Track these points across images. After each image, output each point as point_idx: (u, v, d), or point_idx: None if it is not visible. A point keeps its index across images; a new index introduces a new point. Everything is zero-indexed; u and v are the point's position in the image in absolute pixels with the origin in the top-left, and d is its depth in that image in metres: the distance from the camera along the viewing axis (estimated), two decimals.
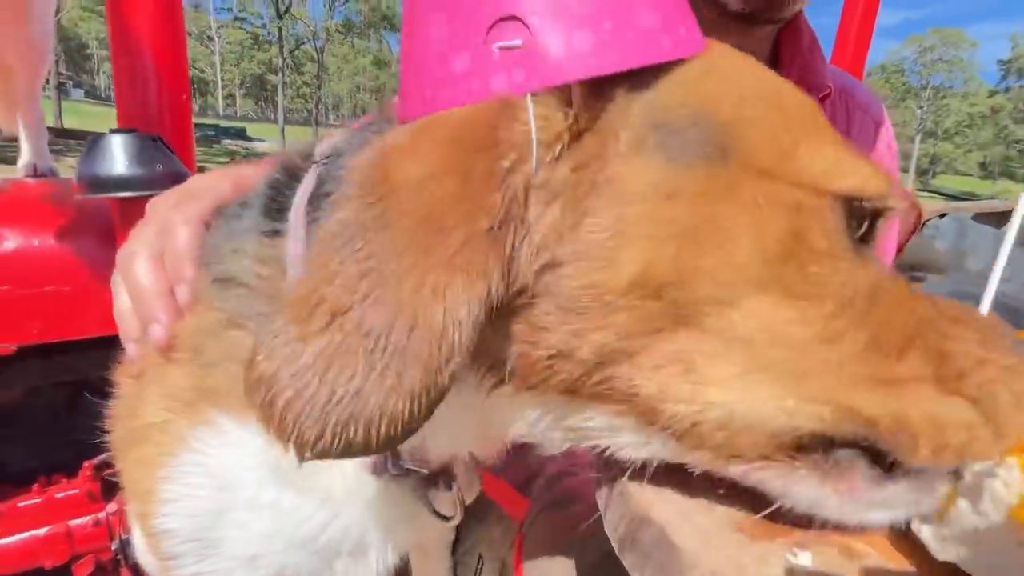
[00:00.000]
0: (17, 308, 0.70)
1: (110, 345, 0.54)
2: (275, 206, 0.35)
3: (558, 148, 0.25)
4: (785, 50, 0.64)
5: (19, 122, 1.02)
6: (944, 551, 0.24)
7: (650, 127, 0.26)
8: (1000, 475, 0.22)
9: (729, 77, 0.28)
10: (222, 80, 60.17)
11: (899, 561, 0.25)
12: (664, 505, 0.27)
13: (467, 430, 0.34)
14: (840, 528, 0.26)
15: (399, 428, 0.22)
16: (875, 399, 0.24)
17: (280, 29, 29.27)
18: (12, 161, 1.16)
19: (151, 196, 0.53)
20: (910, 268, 1.95)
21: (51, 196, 0.77)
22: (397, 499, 0.38)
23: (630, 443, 0.27)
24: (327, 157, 0.35)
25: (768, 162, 0.26)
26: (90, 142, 0.66)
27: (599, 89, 0.25)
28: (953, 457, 0.24)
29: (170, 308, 0.38)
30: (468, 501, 0.43)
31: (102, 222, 0.74)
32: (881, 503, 0.25)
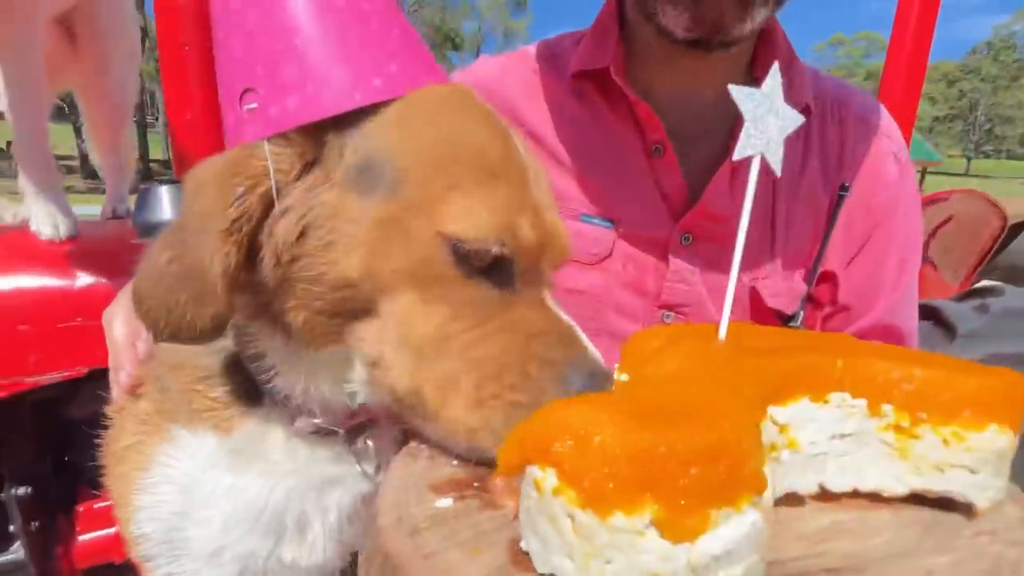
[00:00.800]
0: (88, 338, 0.81)
1: None
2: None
3: (292, 176, 0.35)
4: (759, 70, 0.62)
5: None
6: (527, 542, 0.25)
7: (351, 164, 0.35)
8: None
9: (416, 126, 0.35)
10: None
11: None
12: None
13: (323, 382, 0.41)
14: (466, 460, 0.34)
15: (204, 323, 0.34)
16: (437, 390, 0.34)
17: None
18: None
19: None
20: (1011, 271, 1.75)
21: (117, 238, 0.89)
22: (325, 459, 0.44)
23: (367, 393, 0.39)
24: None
25: (422, 201, 0.34)
26: (141, 192, 0.76)
27: (316, 133, 0.35)
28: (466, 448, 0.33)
29: (133, 358, 0.47)
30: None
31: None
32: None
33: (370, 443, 0.44)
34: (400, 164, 0.34)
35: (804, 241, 0.62)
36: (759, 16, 0.52)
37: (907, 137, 0.96)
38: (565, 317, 0.37)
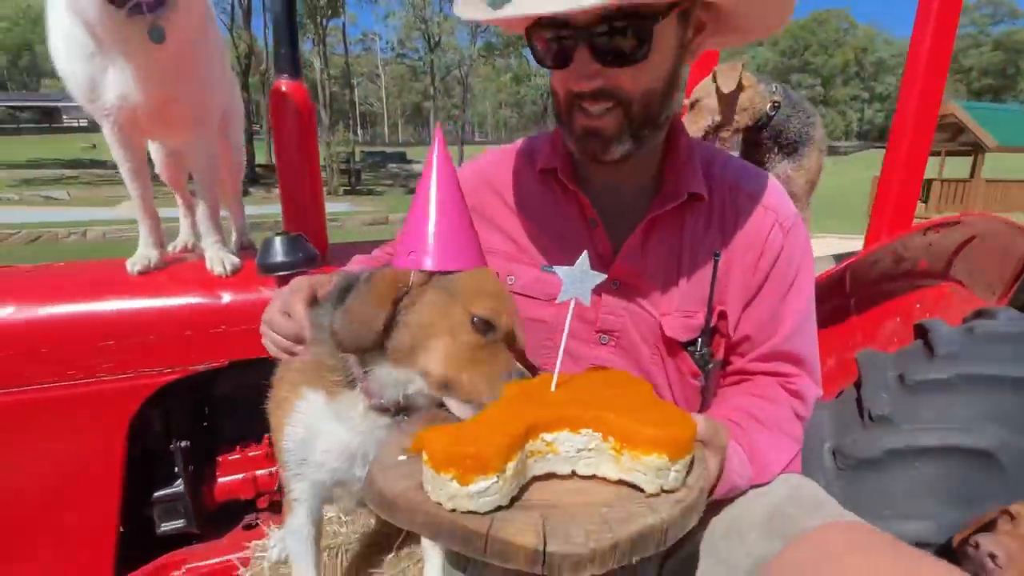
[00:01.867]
0: (229, 340, 1.17)
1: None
2: (341, 297, 0.73)
3: (416, 289, 0.65)
4: (667, 165, 0.83)
5: (228, 212, 1.55)
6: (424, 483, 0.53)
7: (440, 286, 0.67)
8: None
9: (470, 278, 0.68)
10: (387, 111, 68.27)
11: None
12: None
13: (392, 383, 0.71)
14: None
15: (365, 340, 0.65)
16: (457, 379, 0.65)
17: (432, 61, 32.48)
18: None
19: (297, 273, 0.95)
20: None
21: (246, 273, 1.25)
22: (380, 424, 0.74)
23: (420, 388, 0.69)
24: (363, 279, 0.72)
25: (464, 299, 0.66)
26: (264, 242, 1.10)
27: (433, 275, 0.67)
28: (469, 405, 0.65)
29: (295, 345, 0.77)
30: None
31: (272, 285, 1.19)
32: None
33: (403, 419, 0.74)
34: (458, 289, 0.68)
35: (702, 290, 0.81)
36: (622, 149, 0.76)
37: None
38: (510, 357, 0.68)
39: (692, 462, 0.56)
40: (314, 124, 1.23)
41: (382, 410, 0.73)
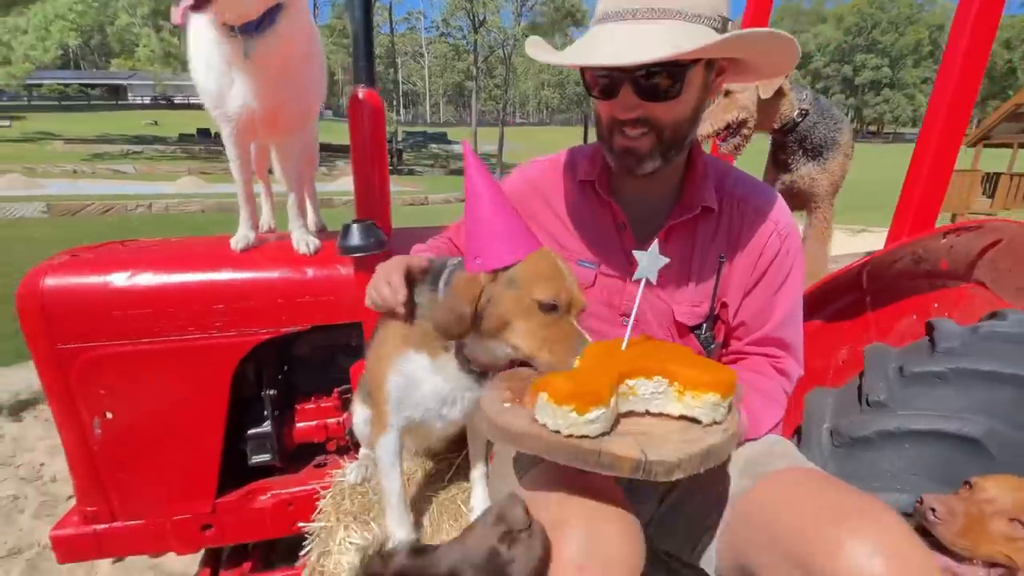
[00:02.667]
0: (310, 308, 1.39)
1: (352, 327, 1.18)
2: (434, 282, 0.93)
3: (488, 287, 0.84)
4: (686, 182, 1.00)
5: (304, 199, 1.77)
6: (540, 415, 0.71)
7: (506, 279, 0.85)
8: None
9: (528, 265, 0.85)
10: (429, 91, 68.46)
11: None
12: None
13: (485, 353, 0.92)
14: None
15: (460, 331, 0.87)
16: (542, 352, 0.83)
17: (476, 40, 32.38)
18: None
19: (368, 255, 1.17)
20: None
21: (327, 252, 1.47)
22: (469, 381, 0.98)
23: (510, 355, 0.88)
24: (451, 268, 0.93)
25: (527, 288, 0.83)
26: (343, 227, 1.31)
27: (498, 272, 0.85)
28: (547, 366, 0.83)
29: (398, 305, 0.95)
30: None
31: (347, 264, 1.40)
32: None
33: (488, 380, 0.95)
34: (518, 276, 0.85)
35: (708, 286, 0.97)
36: (653, 165, 0.92)
37: None
38: (577, 326, 0.85)
39: (731, 403, 0.73)
40: (383, 127, 1.42)
41: (471, 371, 0.97)
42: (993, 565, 0.91)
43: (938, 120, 1.54)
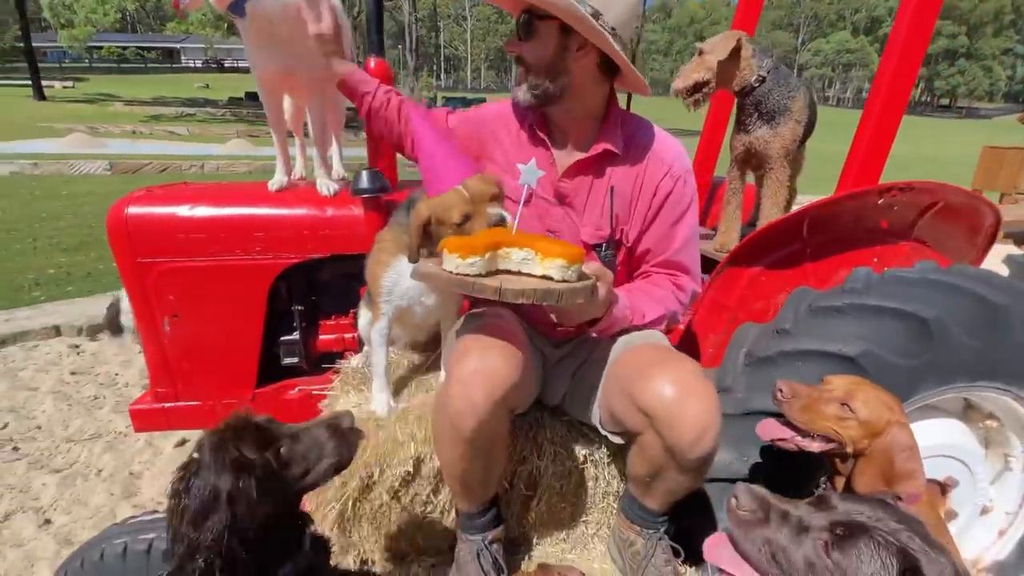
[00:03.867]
0: (330, 239, 1.72)
1: (363, 257, 1.50)
2: (407, 209, 1.27)
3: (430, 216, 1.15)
4: (599, 130, 1.26)
5: (331, 148, 2.09)
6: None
7: (432, 216, 1.18)
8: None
9: (440, 200, 1.17)
10: (470, 55, 67.59)
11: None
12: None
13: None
14: None
15: (411, 254, 1.20)
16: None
17: None
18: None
19: (375, 197, 1.49)
20: None
21: (343, 194, 1.78)
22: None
23: None
24: (415, 198, 1.24)
25: (444, 218, 1.17)
26: (355, 174, 1.62)
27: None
28: None
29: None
30: None
31: (359, 204, 1.72)
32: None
33: None
34: (437, 211, 1.17)
35: (608, 214, 1.26)
36: (524, 95, 1.21)
37: None
38: (490, 211, 1.15)
39: (581, 274, 1.05)
40: (392, 80, 1.71)
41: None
42: (828, 440, 1.16)
43: (884, 82, 1.68)
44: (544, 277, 1.03)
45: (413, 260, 1.20)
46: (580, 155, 1.26)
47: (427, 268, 1.04)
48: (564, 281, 1.01)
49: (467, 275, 0.99)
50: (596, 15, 1.09)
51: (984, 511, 1.79)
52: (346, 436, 0.97)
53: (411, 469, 1.33)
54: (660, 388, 0.97)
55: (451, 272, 0.99)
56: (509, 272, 1.06)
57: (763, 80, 1.79)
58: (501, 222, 1.14)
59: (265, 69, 1.65)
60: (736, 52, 1.79)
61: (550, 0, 1.07)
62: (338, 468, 0.98)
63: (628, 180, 1.25)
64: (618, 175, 1.26)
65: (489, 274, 1.02)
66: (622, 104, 1.30)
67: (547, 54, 1.17)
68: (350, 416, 0.99)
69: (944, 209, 1.74)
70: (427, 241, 1.19)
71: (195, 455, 0.87)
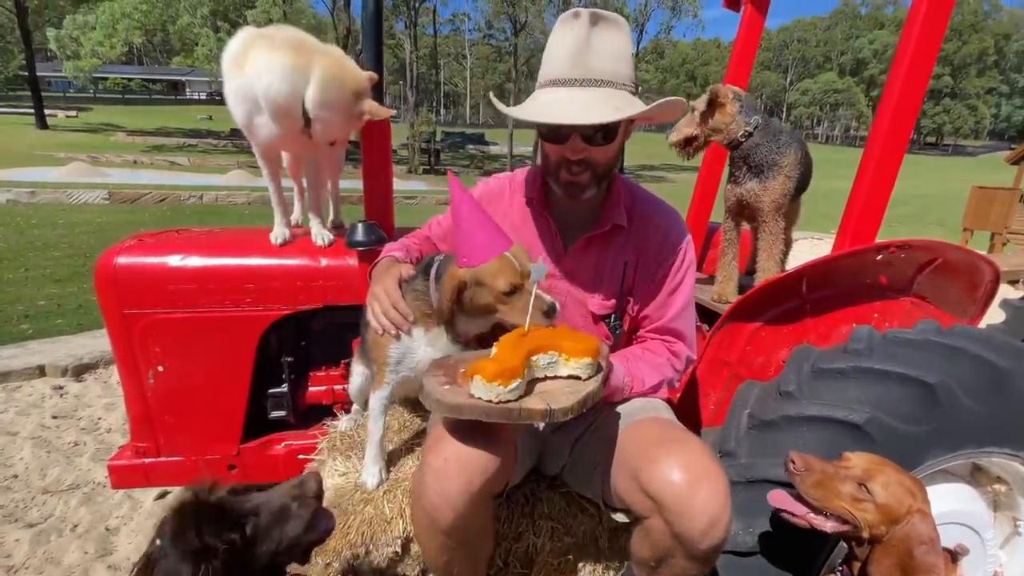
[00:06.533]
0: (323, 290, 1.69)
1: (357, 308, 1.45)
2: (424, 273, 1.22)
3: (469, 280, 1.15)
4: (604, 204, 1.25)
5: (327, 199, 2.07)
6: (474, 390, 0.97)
7: (475, 280, 1.14)
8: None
9: (491, 266, 1.11)
10: (470, 92, 69.39)
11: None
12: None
13: (473, 327, 1.24)
14: None
15: (447, 317, 1.20)
16: (519, 319, 1.10)
17: (516, 43, 32.79)
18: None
19: (370, 249, 1.45)
20: None
21: (338, 246, 1.76)
22: (456, 351, 1.25)
23: (495, 323, 1.21)
24: (439, 262, 1.21)
25: (490, 284, 1.12)
26: (350, 226, 1.60)
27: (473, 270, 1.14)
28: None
29: (398, 319, 1.23)
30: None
31: (354, 255, 1.69)
32: None
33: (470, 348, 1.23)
34: (478, 276, 1.12)
35: (617, 284, 1.23)
36: (591, 193, 1.17)
37: None
38: (536, 292, 1.07)
39: (599, 364, 1.01)
40: (389, 141, 1.71)
41: (457, 341, 1.26)
42: (842, 522, 1.11)
43: (881, 133, 1.68)
44: (571, 377, 1.00)
45: (444, 321, 1.18)
46: (588, 229, 1.26)
47: (454, 399, 0.93)
48: (591, 378, 0.98)
49: (510, 402, 0.92)
50: (637, 87, 1.11)
51: None
52: (314, 503, 0.94)
53: (399, 550, 1.26)
54: (668, 474, 0.92)
55: (491, 401, 0.91)
56: (536, 380, 1.01)
57: (749, 135, 1.81)
58: (552, 311, 1.09)
59: (269, 135, 1.60)
60: (715, 104, 1.82)
61: (647, 113, 1.06)
62: (316, 542, 0.96)
63: (633, 251, 1.25)
64: (625, 247, 1.26)
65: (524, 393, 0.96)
66: None
67: (616, 148, 1.16)
68: (316, 479, 0.95)
69: (943, 265, 1.73)
70: (457, 308, 1.17)
71: (158, 542, 0.83)
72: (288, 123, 1.51)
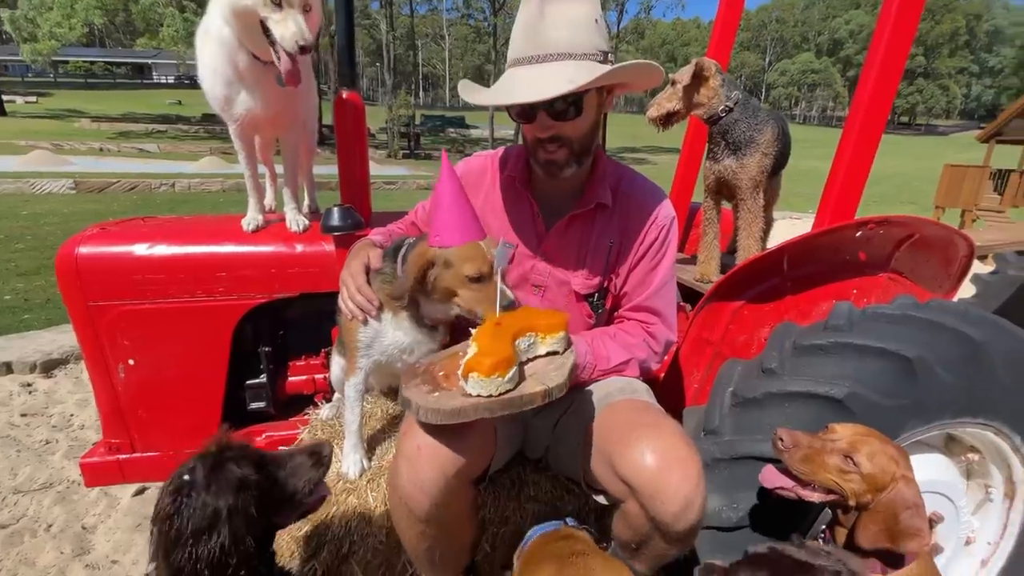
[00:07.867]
0: (300, 277, 1.64)
1: (335, 295, 1.41)
2: (393, 256, 1.19)
3: (435, 261, 1.13)
4: (588, 181, 1.22)
5: (302, 180, 2.01)
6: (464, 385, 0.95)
7: (443, 262, 1.12)
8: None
9: (460, 250, 1.08)
10: (448, 74, 68.20)
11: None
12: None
13: (437, 311, 1.19)
14: None
15: (403, 299, 1.18)
16: (478, 308, 1.12)
17: (496, 24, 32.20)
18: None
19: (347, 233, 1.41)
20: None
21: (314, 231, 1.71)
22: (425, 333, 1.27)
23: (456, 312, 1.18)
24: (408, 245, 1.17)
25: (458, 268, 1.10)
26: (326, 210, 1.55)
27: (443, 251, 1.12)
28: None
29: (364, 304, 1.21)
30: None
31: (331, 241, 1.64)
32: None
33: (438, 332, 1.22)
34: (448, 258, 1.10)
35: (600, 264, 1.20)
36: (570, 171, 1.14)
37: None
38: (499, 285, 1.06)
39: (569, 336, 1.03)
40: (364, 123, 1.65)
41: (423, 325, 1.24)
42: (829, 492, 1.12)
43: (859, 113, 1.69)
44: (550, 354, 1.00)
45: (398, 298, 1.14)
46: (571, 208, 1.23)
47: (451, 403, 0.89)
48: (567, 350, 1.01)
49: (510, 392, 0.90)
50: (606, 55, 1.05)
51: (967, 542, 1.78)
52: (324, 470, 1.03)
53: (384, 539, 1.24)
54: (641, 458, 0.92)
55: (491, 395, 0.89)
56: (521, 364, 0.99)
57: (730, 110, 1.79)
58: (511, 306, 1.07)
59: (248, 111, 1.57)
60: (700, 77, 1.80)
61: (606, 75, 0.99)
62: (310, 509, 1.03)
63: (617, 231, 1.23)
64: (608, 226, 1.24)
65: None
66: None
67: (589, 121, 1.12)
68: (330, 447, 1.03)
69: (920, 241, 1.75)
70: (420, 287, 1.13)
71: (186, 478, 0.86)
72: (251, 37, 1.43)
